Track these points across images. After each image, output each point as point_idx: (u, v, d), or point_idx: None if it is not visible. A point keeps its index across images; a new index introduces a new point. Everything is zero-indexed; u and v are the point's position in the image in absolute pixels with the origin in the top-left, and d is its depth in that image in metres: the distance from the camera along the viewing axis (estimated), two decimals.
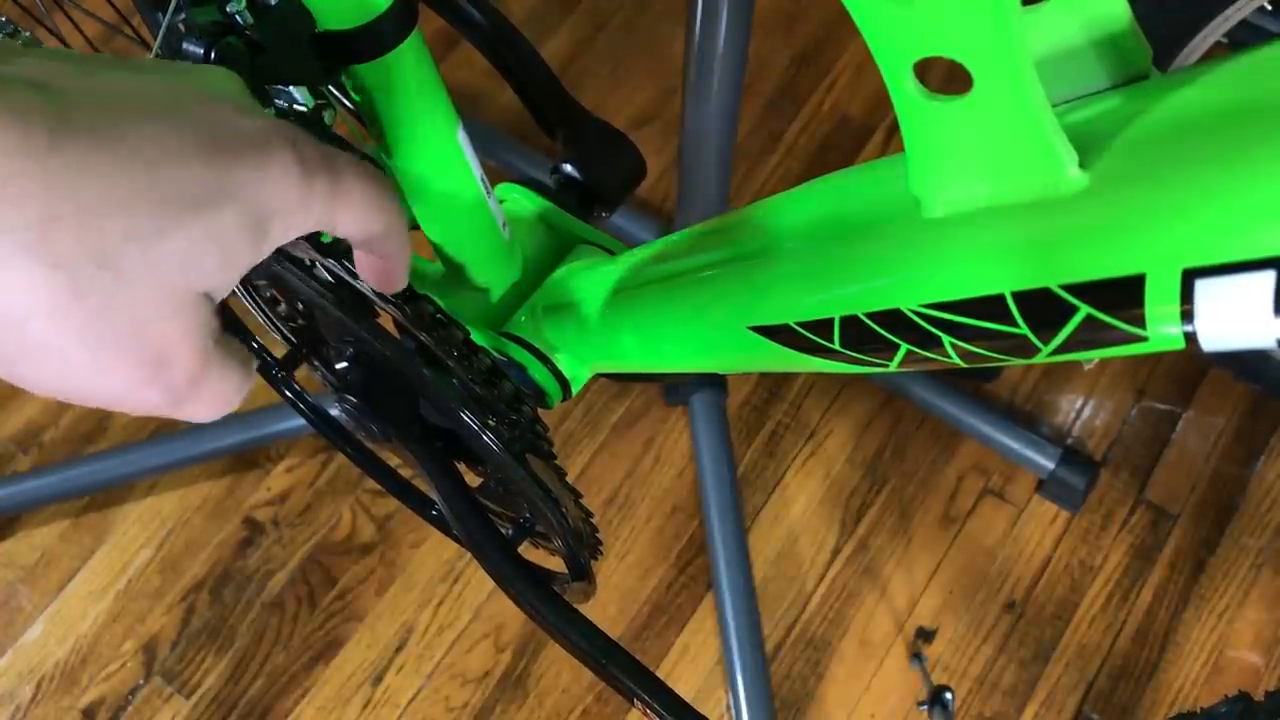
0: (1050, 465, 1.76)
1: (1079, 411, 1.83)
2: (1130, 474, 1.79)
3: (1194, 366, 1.84)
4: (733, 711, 1.66)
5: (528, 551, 1.17)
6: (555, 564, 1.09)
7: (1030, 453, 1.78)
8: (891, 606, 1.72)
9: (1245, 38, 1.44)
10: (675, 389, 1.82)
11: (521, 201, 1.11)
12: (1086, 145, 0.58)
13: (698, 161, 1.64)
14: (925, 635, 1.70)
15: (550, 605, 1.00)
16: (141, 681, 1.71)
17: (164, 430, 1.86)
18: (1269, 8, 1.38)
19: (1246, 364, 1.73)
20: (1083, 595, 1.72)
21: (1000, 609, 1.72)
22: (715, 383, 1.81)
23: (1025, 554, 1.75)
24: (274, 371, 1.13)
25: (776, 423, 1.83)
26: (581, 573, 1.04)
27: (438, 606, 1.74)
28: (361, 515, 1.79)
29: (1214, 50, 1.39)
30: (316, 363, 1.11)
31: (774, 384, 1.86)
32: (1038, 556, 1.74)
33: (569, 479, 0.99)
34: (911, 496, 1.78)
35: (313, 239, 0.90)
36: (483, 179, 0.99)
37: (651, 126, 2.06)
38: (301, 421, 1.61)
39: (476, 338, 0.96)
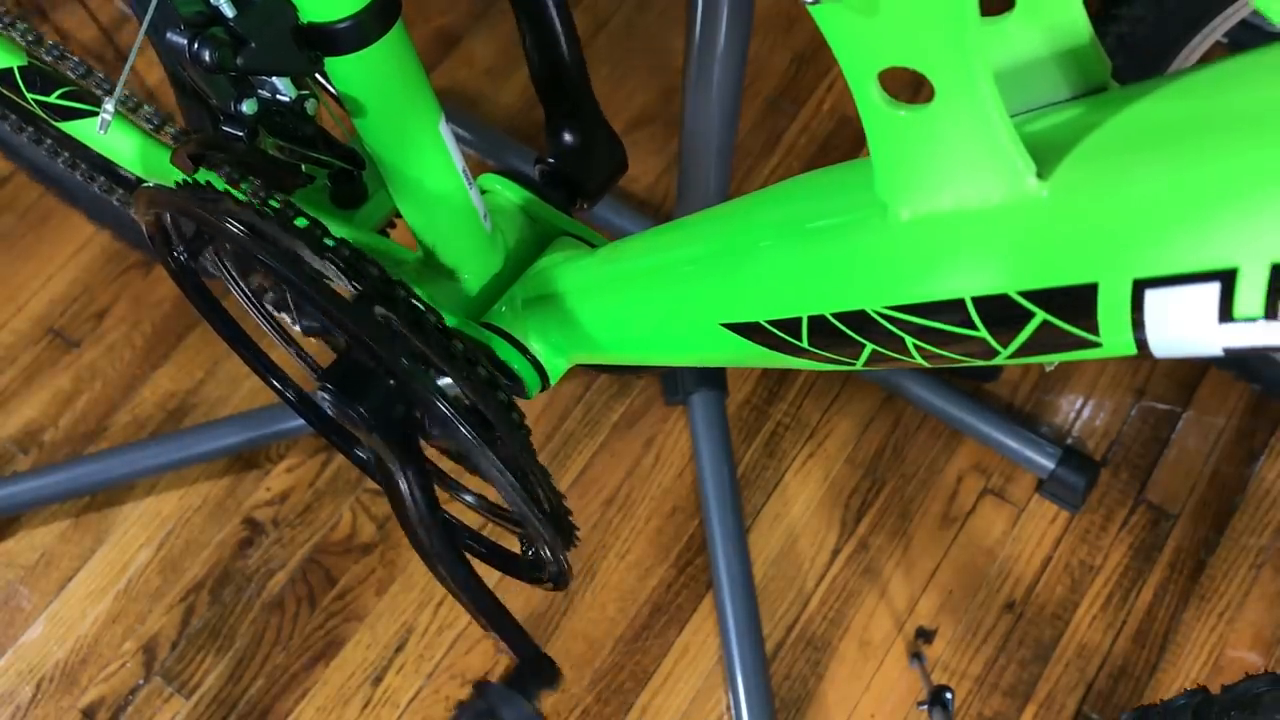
0: (1050, 465, 1.76)
1: (1079, 411, 1.83)
2: (1130, 474, 1.78)
3: (1194, 366, 1.84)
4: (733, 711, 1.66)
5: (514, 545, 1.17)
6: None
7: (1030, 453, 1.77)
8: (891, 606, 1.72)
9: (1245, 38, 1.44)
10: (675, 388, 1.82)
11: (504, 193, 1.12)
12: (1045, 155, 0.59)
13: (697, 162, 1.64)
14: (925, 635, 1.70)
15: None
16: (141, 681, 1.71)
17: (164, 430, 1.86)
18: None
19: (1246, 364, 1.72)
20: (1083, 595, 1.72)
21: (1000, 609, 1.71)
22: (715, 383, 1.81)
23: (1025, 554, 1.74)
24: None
25: (776, 423, 1.83)
26: (559, 564, 1.05)
27: (438, 607, 1.74)
28: (361, 515, 1.79)
29: (1214, 50, 1.39)
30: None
31: (774, 384, 1.86)
32: (1038, 556, 1.74)
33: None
34: (911, 496, 1.78)
35: (308, 234, 0.91)
36: (464, 170, 1.00)
37: (651, 126, 2.06)
38: (301, 421, 1.61)
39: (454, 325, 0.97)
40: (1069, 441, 1.81)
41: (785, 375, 1.86)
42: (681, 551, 1.77)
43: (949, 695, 1.48)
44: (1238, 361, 1.73)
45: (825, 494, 1.79)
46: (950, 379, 1.82)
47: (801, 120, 2.05)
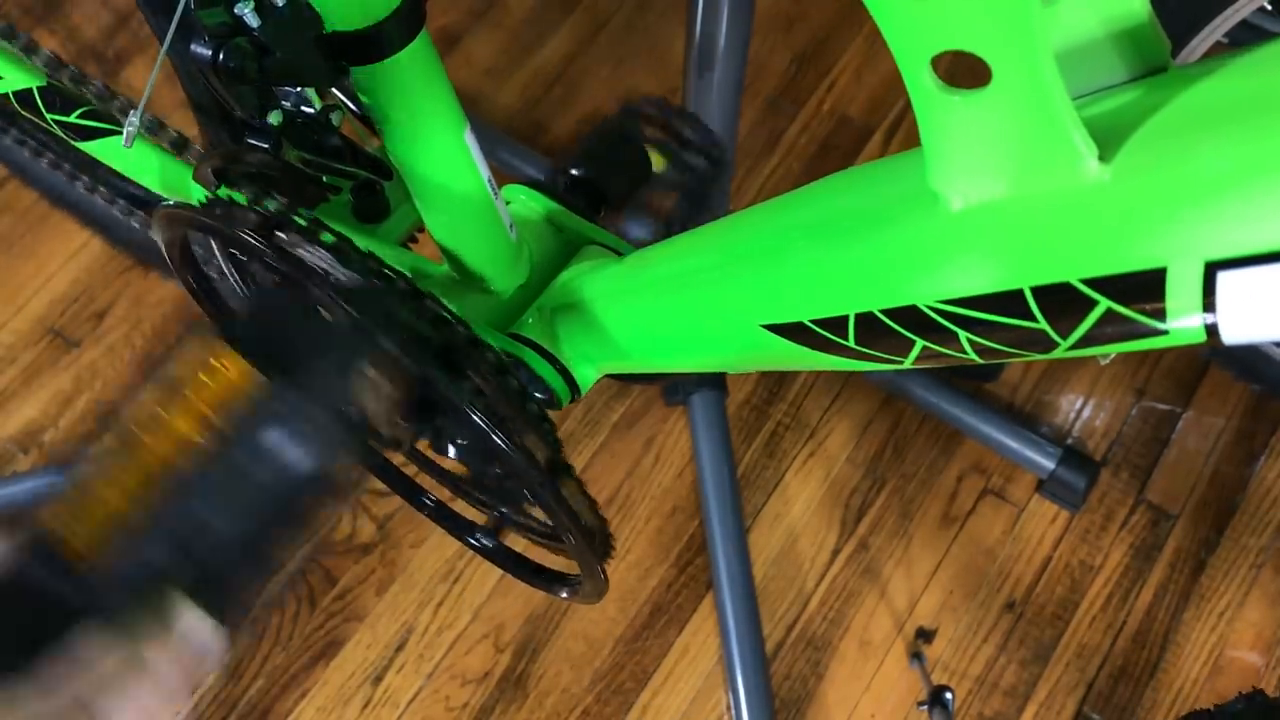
0: (1050, 465, 1.76)
1: (1079, 411, 1.83)
2: (1130, 474, 1.79)
3: (1194, 366, 1.84)
4: (733, 711, 1.66)
5: (535, 552, 1.17)
6: (559, 563, 1.09)
7: (1030, 453, 1.78)
8: (891, 606, 1.72)
9: (1245, 38, 1.44)
10: (675, 388, 1.81)
11: (528, 203, 1.11)
12: (1106, 138, 0.58)
13: None
14: (925, 635, 1.71)
15: None
16: None
17: None
18: (1269, 8, 1.38)
19: (1246, 364, 1.73)
20: (1083, 595, 1.72)
21: (1000, 609, 1.72)
22: (715, 383, 1.81)
23: (1025, 554, 1.75)
24: None
25: (776, 423, 1.83)
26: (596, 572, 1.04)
27: (438, 607, 1.74)
28: (361, 515, 1.79)
29: (1214, 50, 1.39)
30: None
31: (774, 384, 1.86)
32: (1038, 556, 1.74)
33: None
34: (911, 496, 1.78)
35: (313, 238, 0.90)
36: (490, 180, 0.99)
37: None
38: None
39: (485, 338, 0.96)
40: (1069, 441, 1.81)
41: (785, 375, 1.86)
42: (681, 551, 1.77)
43: (949, 695, 1.48)
44: (1238, 361, 1.74)
45: (825, 494, 1.79)
46: (950, 379, 1.82)
47: (801, 120, 2.05)
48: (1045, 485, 1.78)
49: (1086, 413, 1.83)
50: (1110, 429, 1.81)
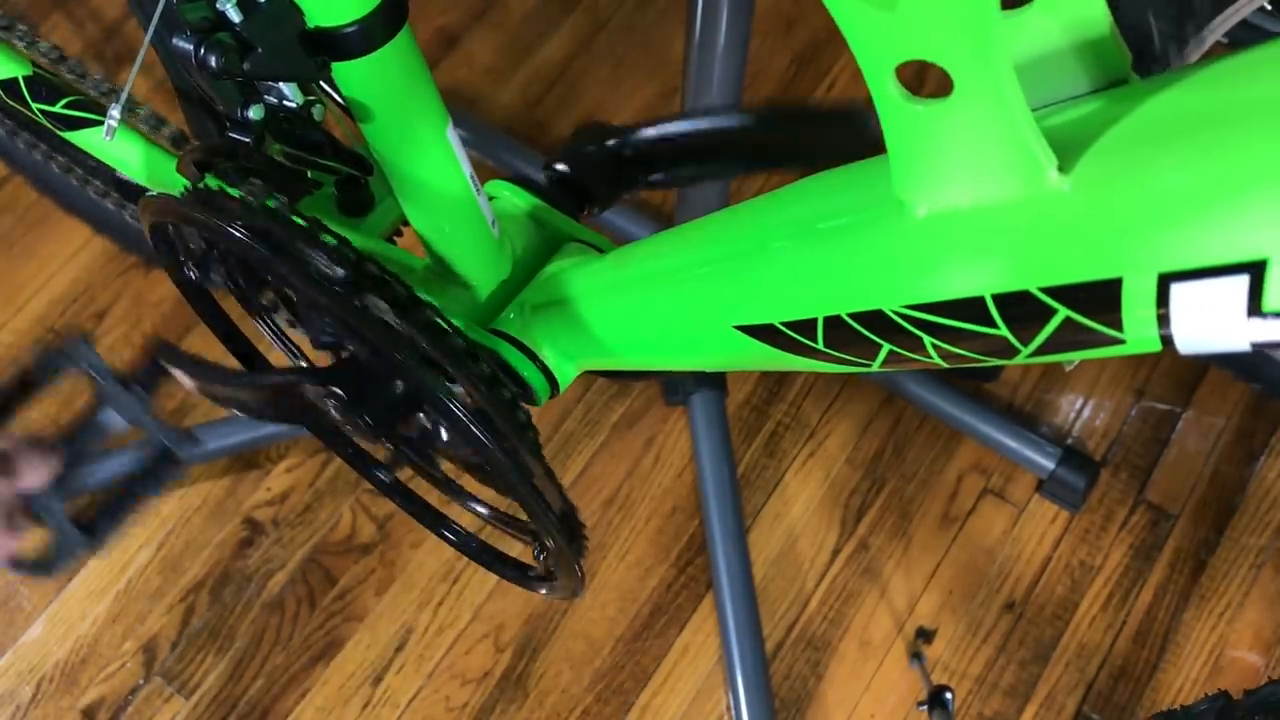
0: (1050, 465, 1.76)
1: (1079, 411, 1.83)
2: (1130, 474, 1.78)
3: (1194, 366, 1.84)
4: (733, 711, 1.66)
5: (522, 553, 1.17)
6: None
7: (1030, 453, 1.77)
8: (891, 606, 1.72)
9: (1245, 38, 1.44)
10: (675, 388, 1.81)
11: (511, 199, 1.12)
12: (1066, 149, 0.58)
13: None
14: (925, 635, 1.70)
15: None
16: (141, 681, 1.71)
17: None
18: (1269, 8, 1.37)
19: (1246, 364, 1.72)
20: (1083, 595, 1.72)
21: (1000, 609, 1.71)
22: (715, 383, 1.80)
23: (1025, 554, 1.74)
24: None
25: (776, 423, 1.83)
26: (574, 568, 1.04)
27: (438, 607, 1.74)
28: (361, 515, 1.79)
29: (1213, 50, 1.38)
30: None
31: (774, 384, 1.86)
32: (1038, 556, 1.74)
33: (568, 479, 0.99)
34: (911, 496, 1.78)
35: (316, 240, 0.90)
36: (472, 176, 0.99)
37: None
38: None
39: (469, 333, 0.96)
40: (1069, 441, 1.81)
41: (785, 375, 1.86)
42: (681, 551, 1.77)
43: (949, 695, 1.48)
44: (1238, 361, 1.73)
45: (825, 494, 1.79)
46: (950, 379, 1.82)
47: None
48: (1045, 485, 1.78)
49: (1086, 413, 1.83)
50: (1110, 429, 1.81)
